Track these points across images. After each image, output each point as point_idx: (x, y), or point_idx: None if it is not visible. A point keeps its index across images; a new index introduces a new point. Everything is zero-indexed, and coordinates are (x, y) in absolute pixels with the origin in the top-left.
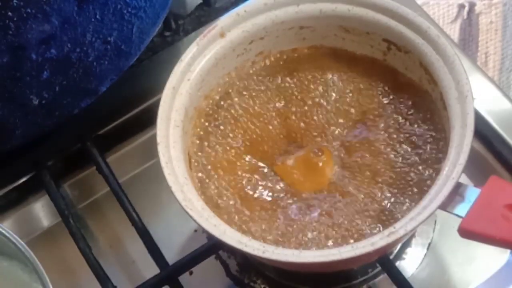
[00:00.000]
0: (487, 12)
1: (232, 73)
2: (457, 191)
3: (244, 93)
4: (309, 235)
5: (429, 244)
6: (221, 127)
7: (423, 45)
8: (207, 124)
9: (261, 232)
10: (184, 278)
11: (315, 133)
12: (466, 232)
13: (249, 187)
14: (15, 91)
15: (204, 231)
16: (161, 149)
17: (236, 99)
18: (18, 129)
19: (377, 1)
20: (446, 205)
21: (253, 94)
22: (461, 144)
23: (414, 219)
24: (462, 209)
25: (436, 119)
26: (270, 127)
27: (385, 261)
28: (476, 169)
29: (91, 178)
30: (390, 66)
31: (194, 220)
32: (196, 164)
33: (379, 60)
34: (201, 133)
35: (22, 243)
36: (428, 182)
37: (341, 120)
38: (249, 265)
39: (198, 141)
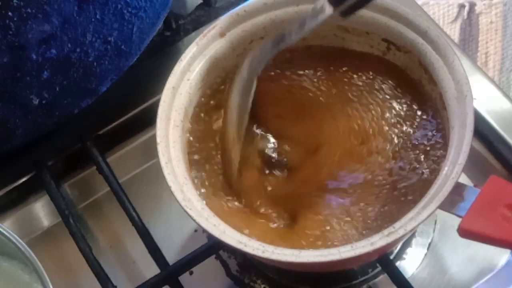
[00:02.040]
0: (487, 12)
1: (232, 73)
2: (456, 191)
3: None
4: (311, 237)
5: (429, 244)
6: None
7: (422, 45)
8: (206, 125)
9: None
10: (184, 278)
11: (315, 133)
12: (466, 232)
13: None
14: (15, 91)
15: (204, 230)
16: (161, 149)
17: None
18: (19, 129)
19: (377, 1)
20: (446, 205)
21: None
22: (461, 144)
23: (413, 219)
24: (461, 209)
25: (436, 118)
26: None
27: (385, 261)
28: (476, 169)
29: (91, 178)
30: (392, 63)
31: (194, 220)
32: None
33: (380, 57)
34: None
35: (22, 243)
36: (428, 182)
37: (341, 120)
38: (249, 265)
39: (199, 142)
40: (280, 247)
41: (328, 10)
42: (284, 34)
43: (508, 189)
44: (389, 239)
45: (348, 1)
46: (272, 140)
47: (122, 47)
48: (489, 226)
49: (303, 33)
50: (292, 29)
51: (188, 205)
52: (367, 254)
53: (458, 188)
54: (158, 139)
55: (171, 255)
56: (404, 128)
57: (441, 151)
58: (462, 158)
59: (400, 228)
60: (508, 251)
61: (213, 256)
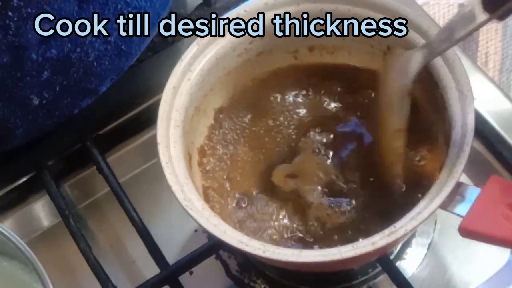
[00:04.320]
0: None
1: (232, 74)
2: (457, 191)
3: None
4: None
5: (430, 244)
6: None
7: None
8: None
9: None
10: (184, 278)
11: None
12: (467, 232)
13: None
14: (15, 91)
15: (205, 230)
16: (161, 149)
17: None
18: (19, 129)
19: (377, 1)
20: (447, 205)
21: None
22: (462, 143)
23: (414, 218)
24: (462, 208)
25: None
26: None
27: (385, 261)
28: (477, 169)
29: (91, 178)
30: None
31: (195, 220)
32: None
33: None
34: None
35: (22, 243)
36: (427, 182)
37: (338, 123)
38: (249, 265)
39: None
40: (281, 247)
41: (481, 17)
42: (432, 45)
43: (509, 188)
44: (390, 239)
45: (507, 5)
46: None
47: (122, 47)
48: (490, 226)
49: (453, 43)
50: (441, 39)
51: (189, 205)
52: (368, 254)
53: (459, 188)
54: (159, 139)
55: (171, 255)
56: None
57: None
58: (463, 158)
59: (401, 227)
60: (509, 251)
61: (213, 256)
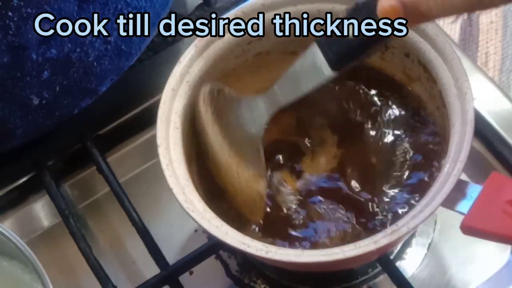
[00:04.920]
0: (488, 12)
1: (230, 75)
2: (458, 188)
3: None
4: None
5: (430, 244)
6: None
7: (421, 43)
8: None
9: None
10: (184, 278)
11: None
12: (469, 229)
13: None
14: (15, 91)
15: (206, 232)
16: (161, 151)
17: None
18: (19, 129)
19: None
20: (448, 203)
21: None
22: (462, 141)
23: (416, 216)
24: (464, 206)
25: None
26: None
27: (385, 261)
28: (477, 168)
29: (91, 178)
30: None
31: (197, 222)
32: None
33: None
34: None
35: (22, 243)
36: (428, 180)
37: (339, 122)
38: (249, 265)
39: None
40: (282, 248)
41: (329, 73)
42: (275, 95)
43: (509, 185)
44: (392, 237)
45: (348, 65)
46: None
47: (122, 47)
48: (491, 223)
49: (300, 95)
50: (285, 89)
51: (190, 207)
52: (370, 253)
53: (460, 185)
54: (159, 141)
55: (171, 255)
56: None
57: (440, 149)
58: (464, 156)
59: (403, 226)
60: (508, 251)
61: (213, 256)
